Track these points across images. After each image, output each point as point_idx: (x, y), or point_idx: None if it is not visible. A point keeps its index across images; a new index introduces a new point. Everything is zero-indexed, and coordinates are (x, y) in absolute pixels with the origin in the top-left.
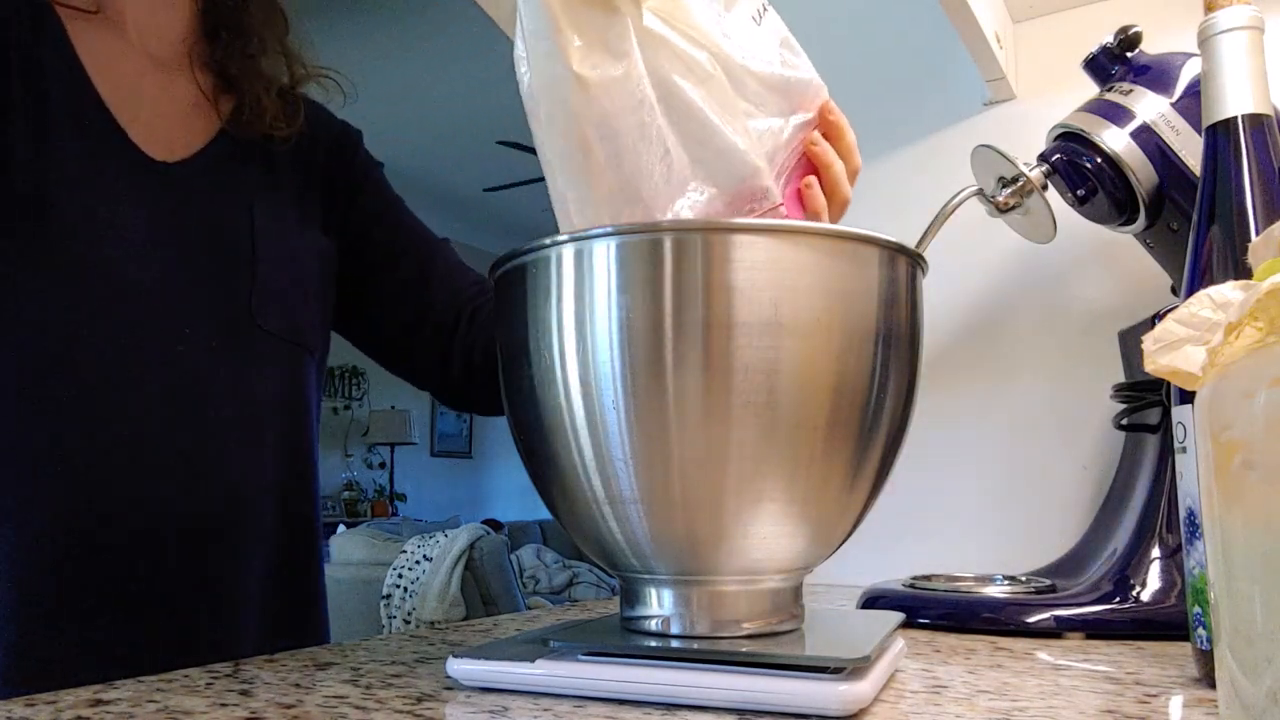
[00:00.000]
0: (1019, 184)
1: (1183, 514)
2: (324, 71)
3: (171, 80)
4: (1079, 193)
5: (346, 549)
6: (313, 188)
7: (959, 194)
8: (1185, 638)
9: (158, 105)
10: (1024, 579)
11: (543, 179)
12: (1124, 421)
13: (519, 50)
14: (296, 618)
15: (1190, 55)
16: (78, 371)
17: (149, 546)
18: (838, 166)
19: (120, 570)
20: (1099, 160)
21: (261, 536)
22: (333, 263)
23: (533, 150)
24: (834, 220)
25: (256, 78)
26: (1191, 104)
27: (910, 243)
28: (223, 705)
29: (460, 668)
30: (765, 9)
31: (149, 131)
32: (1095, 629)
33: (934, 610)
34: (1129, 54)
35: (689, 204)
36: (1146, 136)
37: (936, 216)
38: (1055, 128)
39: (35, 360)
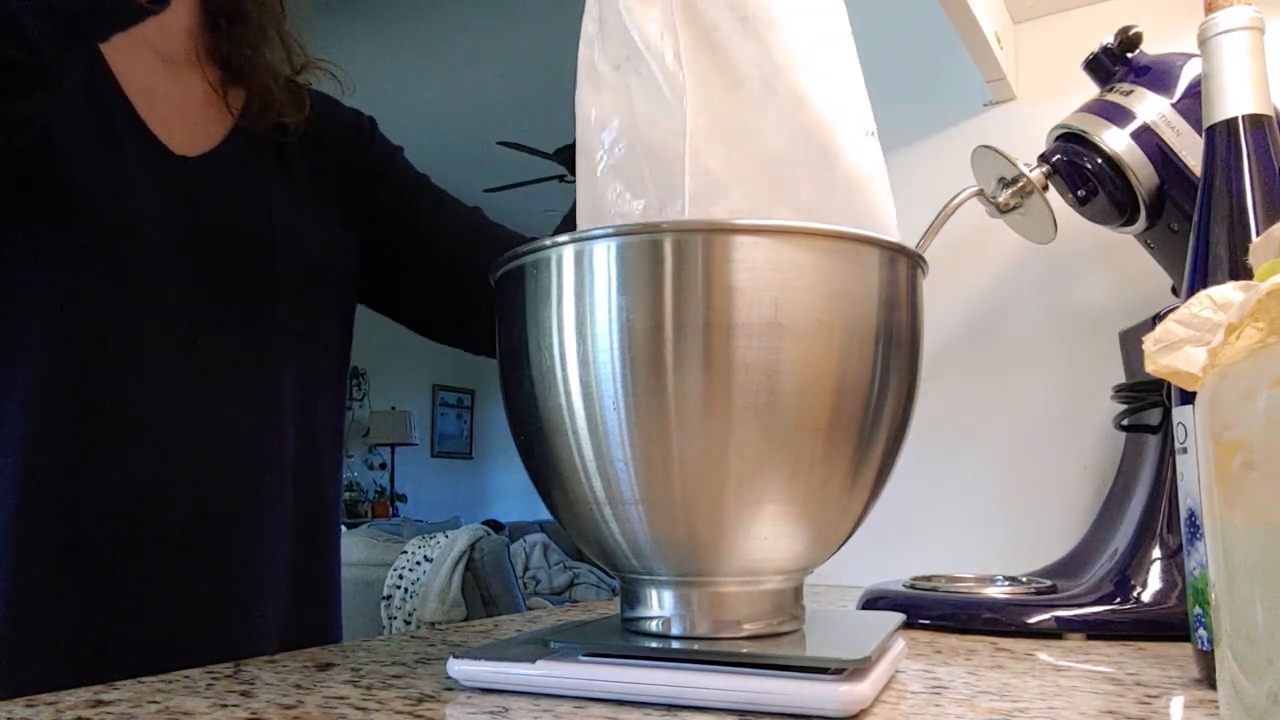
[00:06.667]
0: (1019, 184)
1: (1183, 515)
2: (321, 62)
3: (181, 76)
4: (1079, 193)
5: (347, 550)
6: (327, 182)
7: (959, 194)
8: (1186, 638)
9: (172, 101)
10: (1024, 579)
11: (541, 180)
12: (1124, 422)
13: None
14: (311, 611)
15: (1191, 56)
16: (96, 355)
17: (161, 535)
18: None
19: (134, 556)
20: (1099, 161)
21: (280, 524)
22: (352, 256)
23: (532, 151)
24: None
25: (262, 68)
26: (1192, 104)
27: (910, 243)
28: (223, 706)
29: (461, 668)
30: None
31: (168, 126)
32: (1096, 630)
33: (934, 611)
34: (1129, 54)
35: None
36: (1147, 137)
37: (937, 217)
38: (1055, 128)
39: (54, 345)
